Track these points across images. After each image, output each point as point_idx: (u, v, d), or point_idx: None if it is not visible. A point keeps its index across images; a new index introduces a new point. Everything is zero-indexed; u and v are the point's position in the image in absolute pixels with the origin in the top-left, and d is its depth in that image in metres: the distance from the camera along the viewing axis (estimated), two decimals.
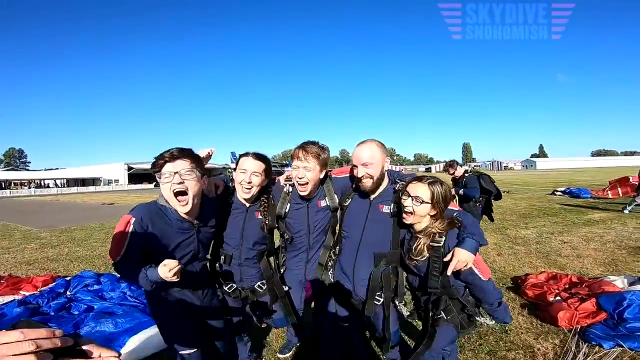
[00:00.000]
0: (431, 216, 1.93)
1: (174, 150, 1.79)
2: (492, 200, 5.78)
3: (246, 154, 2.20)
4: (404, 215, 1.96)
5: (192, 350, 1.99)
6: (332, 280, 2.37)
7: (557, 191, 16.92)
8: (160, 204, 1.88)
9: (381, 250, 2.15)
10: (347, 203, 2.29)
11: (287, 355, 3.02)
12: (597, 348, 2.84)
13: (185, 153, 1.81)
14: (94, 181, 58.40)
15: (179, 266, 1.60)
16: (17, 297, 4.36)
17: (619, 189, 13.78)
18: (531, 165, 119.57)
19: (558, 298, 3.57)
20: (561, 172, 58.48)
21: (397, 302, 2.20)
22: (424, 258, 1.93)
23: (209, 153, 2.24)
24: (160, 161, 1.76)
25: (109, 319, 3.56)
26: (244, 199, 2.23)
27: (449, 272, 1.82)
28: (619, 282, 3.89)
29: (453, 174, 5.84)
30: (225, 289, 2.33)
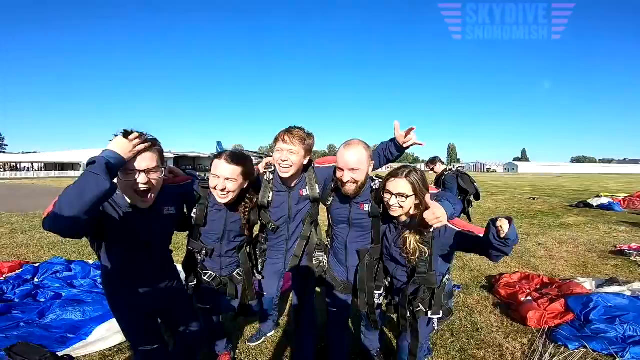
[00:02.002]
0: (415, 205, 1.94)
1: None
2: (472, 200, 5.84)
3: (219, 156, 2.01)
4: (391, 211, 1.96)
5: (151, 348, 1.92)
6: (323, 268, 2.40)
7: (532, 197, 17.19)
8: None
9: (364, 244, 2.22)
10: (329, 202, 2.31)
11: (256, 343, 3.04)
12: (562, 348, 2.90)
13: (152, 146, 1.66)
14: (73, 166, 56.50)
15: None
16: None
17: None
18: (513, 169, 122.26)
19: (529, 298, 3.66)
20: (541, 176, 60.07)
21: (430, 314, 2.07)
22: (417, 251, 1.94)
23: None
24: None
25: (77, 307, 3.47)
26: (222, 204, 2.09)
27: (425, 217, 1.75)
28: (588, 284, 4.01)
29: (433, 169, 5.89)
30: (205, 278, 2.30)
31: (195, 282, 2.31)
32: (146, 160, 1.62)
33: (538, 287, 4.05)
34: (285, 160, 2.10)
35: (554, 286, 3.95)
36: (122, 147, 1.50)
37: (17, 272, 4.52)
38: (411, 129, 2.14)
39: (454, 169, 5.84)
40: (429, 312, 2.00)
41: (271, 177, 2.27)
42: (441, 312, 2.01)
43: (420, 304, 2.02)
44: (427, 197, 1.81)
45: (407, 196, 1.89)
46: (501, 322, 3.44)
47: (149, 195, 1.70)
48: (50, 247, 6.37)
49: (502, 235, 1.55)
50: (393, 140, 2.21)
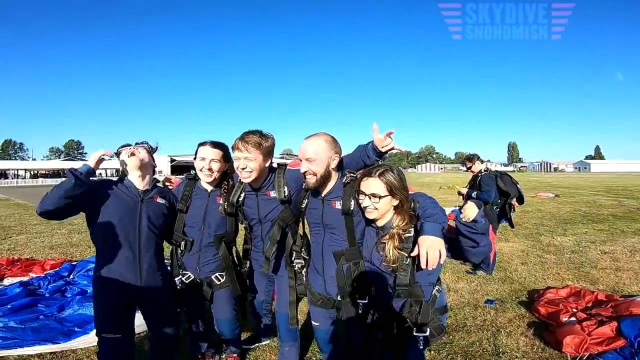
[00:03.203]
0: (395, 207, 1.79)
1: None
2: (515, 203, 5.21)
3: (204, 143, 2.32)
4: (366, 213, 1.80)
5: (113, 336, 2.05)
6: (301, 279, 2.31)
7: None
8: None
9: (339, 247, 2.06)
10: (304, 205, 2.21)
11: (248, 347, 2.95)
12: None
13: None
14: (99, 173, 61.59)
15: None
16: (25, 278, 4.60)
17: None
18: (585, 168, 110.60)
19: (573, 319, 3.07)
20: (617, 176, 53.43)
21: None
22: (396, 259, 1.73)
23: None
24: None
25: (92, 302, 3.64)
26: (207, 183, 2.34)
27: (422, 266, 1.57)
28: None
29: (470, 168, 5.36)
30: (183, 279, 2.36)
31: (180, 278, 2.37)
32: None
33: (589, 305, 3.41)
34: (244, 168, 2.12)
35: (609, 305, 3.28)
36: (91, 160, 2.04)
37: (57, 269, 4.91)
38: (390, 133, 1.98)
39: (492, 169, 5.26)
40: (414, 330, 1.72)
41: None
42: (428, 329, 1.72)
43: (408, 320, 1.74)
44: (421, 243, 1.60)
45: (381, 196, 1.73)
46: (531, 347, 2.92)
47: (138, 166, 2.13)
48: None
49: (465, 220, 1.56)
50: (371, 143, 2.04)
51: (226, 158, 2.35)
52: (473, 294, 4.23)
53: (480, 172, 5.13)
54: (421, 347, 1.74)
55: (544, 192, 15.53)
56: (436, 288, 1.80)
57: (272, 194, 2.24)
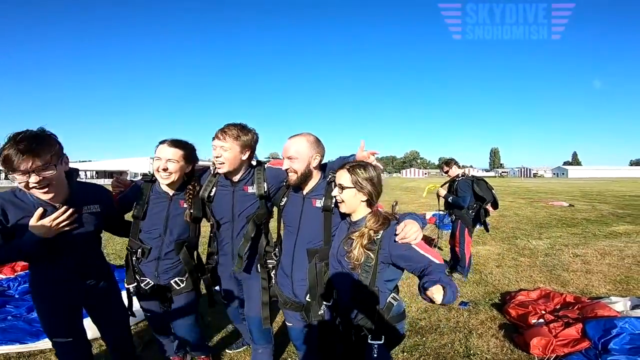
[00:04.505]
0: (364, 202, 1.79)
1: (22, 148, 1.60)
2: (489, 208, 5.30)
3: (163, 141, 2.18)
4: (338, 205, 1.84)
5: (64, 340, 1.96)
6: (273, 281, 2.29)
7: None
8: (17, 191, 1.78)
9: (315, 246, 2.05)
10: (283, 202, 2.20)
11: (234, 351, 2.95)
12: None
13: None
14: (120, 174, 60.54)
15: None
16: None
17: None
18: (562, 174, 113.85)
19: (541, 320, 3.13)
20: (593, 181, 55.29)
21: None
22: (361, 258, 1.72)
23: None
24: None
25: None
26: (167, 186, 2.21)
27: (397, 239, 1.63)
28: (620, 305, 3.40)
29: (447, 172, 5.44)
30: (142, 285, 2.25)
31: (135, 284, 2.26)
32: (27, 162, 1.59)
33: (557, 307, 3.49)
34: (218, 157, 2.11)
35: (577, 307, 3.37)
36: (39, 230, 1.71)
37: (27, 270, 4.74)
38: (374, 153, 2.03)
39: (468, 174, 5.34)
40: (369, 337, 1.69)
41: (214, 173, 2.30)
42: (383, 337, 1.69)
43: (364, 328, 1.70)
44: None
45: (344, 187, 1.76)
46: (501, 348, 2.96)
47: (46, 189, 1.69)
48: None
49: (436, 303, 1.43)
50: (353, 156, 2.09)
51: (188, 158, 2.20)
52: None
53: (457, 176, 5.21)
54: (375, 356, 1.70)
55: (557, 201, 14.85)
56: (391, 295, 1.77)
57: (250, 189, 2.23)
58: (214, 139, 2.14)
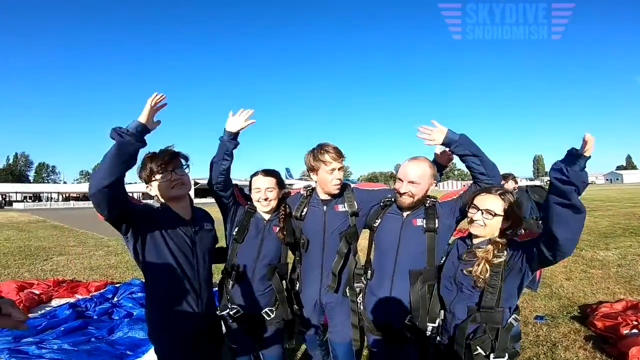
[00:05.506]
0: (502, 230, 1.78)
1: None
2: None
3: (256, 174, 2.28)
4: (472, 227, 1.82)
5: None
6: (359, 305, 2.23)
7: None
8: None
9: (416, 267, 2.02)
10: (376, 223, 2.20)
11: None
12: None
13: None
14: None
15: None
16: (72, 299, 4.74)
17: None
18: (617, 179, 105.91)
19: (635, 331, 2.92)
20: None
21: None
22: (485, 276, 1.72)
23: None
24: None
25: (142, 326, 3.69)
26: (265, 213, 2.28)
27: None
28: None
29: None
30: (231, 313, 2.19)
31: (227, 312, 2.21)
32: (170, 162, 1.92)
33: None
34: (339, 179, 2.20)
35: None
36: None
37: (101, 291, 5.05)
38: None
39: (523, 186, 5.12)
40: (491, 356, 1.66)
41: (307, 194, 2.37)
42: (506, 355, 1.67)
43: (479, 347, 1.68)
44: None
45: (495, 214, 1.74)
46: (593, 359, 2.79)
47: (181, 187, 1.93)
48: (134, 269, 7.04)
49: (587, 151, 1.36)
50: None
51: (280, 184, 2.29)
52: (521, 310, 4.07)
53: (514, 189, 5.02)
54: None
55: None
56: (513, 316, 1.75)
57: (341, 207, 2.27)
58: (331, 160, 2.17)
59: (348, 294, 2.26)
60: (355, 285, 2.25)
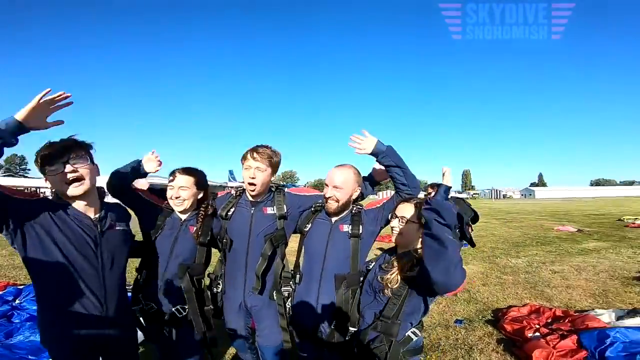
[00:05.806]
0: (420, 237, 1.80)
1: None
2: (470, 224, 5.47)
3: (174, 171, 2.24)
4: (392, 237, 1.86)
5: None
6: (288, 310, 2.19)
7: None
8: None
9: (342, 272, 2.06)
10: (307, 228, 2.23)
11: None
12: None
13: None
14: None
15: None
16: None
17: None
18: (530, 194, 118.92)
19: (537, 334, 3.27)
20: (559, 201, 58.11)
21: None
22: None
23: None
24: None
25: None
26: (180, 212, 2.22)
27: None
28: (606, 317, 3.59)
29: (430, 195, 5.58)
30: (145, 308, 2.13)
31: (140, 307, 2.14)
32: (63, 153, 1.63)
33: (549, 321, 3.65)
34: (253, 178, 2.15)
35: (567, 320, 3.53)
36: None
37: (1, 293, 4.49)
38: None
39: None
40: None
41: (236, 193, 2.35)
42: None
43: (377, 356, 1.71)
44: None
45: (408, 221, 1.79)
46: None
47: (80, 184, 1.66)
48: None
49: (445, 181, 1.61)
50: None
51: (199, 184, 2.23)
52: (442, 314, 4.35)
53: None
54: None
55: (564, 227, 13.93)
56: (412, 330, 1.74)
57: (270, 210, 2.25)
58: (244, 159, 2.18)
59: (275, 298, 2.22)
60: (283, 289, 2.22)
